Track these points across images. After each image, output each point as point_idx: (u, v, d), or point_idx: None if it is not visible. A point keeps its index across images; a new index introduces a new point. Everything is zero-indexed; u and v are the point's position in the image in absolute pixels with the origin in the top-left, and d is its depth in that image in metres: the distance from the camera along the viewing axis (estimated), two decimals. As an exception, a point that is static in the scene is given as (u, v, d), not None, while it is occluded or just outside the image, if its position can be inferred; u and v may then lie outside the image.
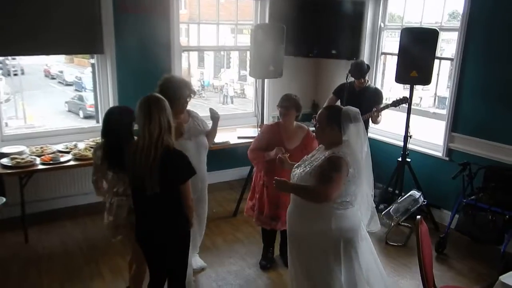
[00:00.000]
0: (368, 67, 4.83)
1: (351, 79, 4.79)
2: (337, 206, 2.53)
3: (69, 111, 10.13)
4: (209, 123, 3.59)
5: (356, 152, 2.54)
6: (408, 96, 4.51)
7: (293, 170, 2.73)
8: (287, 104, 3.57)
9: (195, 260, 3.80)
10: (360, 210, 2.68)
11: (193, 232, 3.55)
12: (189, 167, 2.50)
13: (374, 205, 2.81)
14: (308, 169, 2.59)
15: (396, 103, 4.49)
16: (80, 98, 10.10)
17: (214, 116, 3.54)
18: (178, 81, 3.29)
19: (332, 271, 2.57)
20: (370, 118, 4.57)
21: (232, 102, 10.68)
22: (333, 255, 2.55)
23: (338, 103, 4.85)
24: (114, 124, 2.88)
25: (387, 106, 4.58)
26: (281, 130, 3.63)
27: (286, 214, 2.78)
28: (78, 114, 9.82)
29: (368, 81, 4.83)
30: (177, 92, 3.18)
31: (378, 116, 4.55)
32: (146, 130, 2.41)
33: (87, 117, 8.88)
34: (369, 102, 4.62)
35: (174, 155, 2.45)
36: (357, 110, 2.60)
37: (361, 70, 4.68)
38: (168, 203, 2.51)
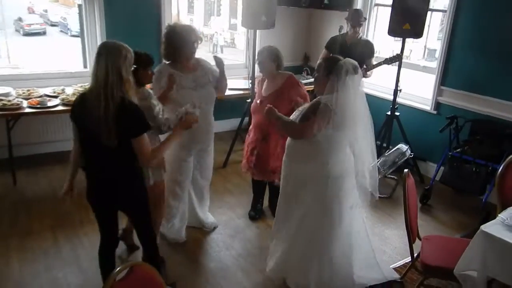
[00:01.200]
0: (365, 18, 4.76)
1: (343, 31, 4.73)
2: (315, 148, 2.66)
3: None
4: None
5: (348, 104, 2.56)
6: (400, 51, 4.48)
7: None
8: (260, 58, 3.54)
9: (206, 217, 3.81)
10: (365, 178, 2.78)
11: (197, 185, 3.64)
12: (141, 121, 2.30)
13: (377, 175, 2.89)
14: (298, 114, 2.76)
15: (389, 61, 4.48)
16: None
17: (220, 63, 3.39)
18: (183, 27, 3.22)
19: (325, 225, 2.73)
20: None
21: (222, 52, 10.47)
22: (324, 189, 2.69)
23: None
24: None
25: (379, 64, 4.56)
26: (265, 80, 3.65)
27: (282, 164, 2.86)
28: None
29: (360, 33, 4.76)
30: (183, 38, 3.13)
31: (367, 73, 4.56)
32: (93, 76, 2.25)
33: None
34: (361, 55, 4.56)
35: (125, 108, 2.22)
36: (355, 62, 2.60)
37: (360, 16, 4.64)
38: (122, 160, 2.34)
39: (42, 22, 10.86)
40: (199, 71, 3.31)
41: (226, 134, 5.68)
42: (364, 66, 4.50)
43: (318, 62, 2.76)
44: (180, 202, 3.49)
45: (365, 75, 4.58)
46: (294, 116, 2.81)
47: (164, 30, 3.26)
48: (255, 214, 3.98)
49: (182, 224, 3.59)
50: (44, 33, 10.62)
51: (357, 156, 2.73)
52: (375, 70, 4.65)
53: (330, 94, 2.57)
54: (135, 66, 2.66)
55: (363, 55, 4.58)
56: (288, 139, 2.84)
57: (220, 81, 3.41)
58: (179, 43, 3.13)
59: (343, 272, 2.81)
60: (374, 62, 4.64)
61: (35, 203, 4.01)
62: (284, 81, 3.54)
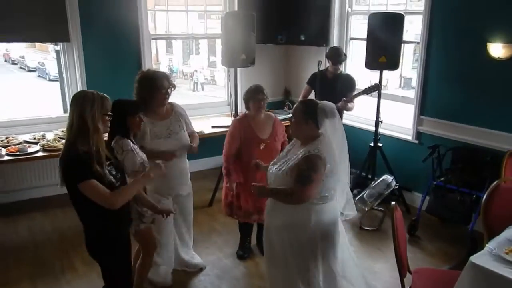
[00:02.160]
0: (345, 54, 4.87)
1: (323, 67, 4.82)
2: (317, 201, 2.54)
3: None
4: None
5: (332, 147, 2.54)
6: (378, 82, 4.58)
7: (269, 168, 2.71)
8: (264, 96, 3.52)
9: (191, 257, 3.73)
10: (336, 197, 2.70)
11: (178, 228, 3.58)
12: (79, 170, 2.24)
13: (350, 192, 2.83)
14: (284, 168, 2.57)
15: (368, 91, 4.56)
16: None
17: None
18: (155, 74, 3.20)
19: (309, 266, 2.59)
20: (342, 107, 4.56)
21: (202, 89, 10.57)
22: (310, 249, 2.57)
23: (313, 93, 4.89)
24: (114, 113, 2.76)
25: (359, 94, 4.63)
26: (251, 122, 3.57)
27: (265, 209, 2.76)
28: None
29: (340, 68, 4.86)
30: (155, 84, 3.10)
31: (350, 103, 4.60)
32: (69, 123, 2.33)
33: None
34: (343, 89, 4.68)
35: (67, 156, 2.28)
36: (333, 105, 2.59)
37: (340, 55, 4.72)
38: (77, 205, 2.38)
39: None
40: (173, 117, 3.29)
41: (210, 172, 5.65)
42: (344, 99, 4.55)
43: (295, 105, 2.69)
44: (162, 248, 3.39)
45: (346, 108, 4.64)
46: (276, 168, 2.64)
47: (136, 76, 3.21)
48: (243, 253, 3.91)
49: (169, 268, 3.51)
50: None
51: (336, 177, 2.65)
52: (355, 101, 4.72)
53: (311, 139, 2.54)
54: (121, 115, 2.68)
55: (344, 89, 4.68)
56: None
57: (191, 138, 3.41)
58: (151, 89, 3.10)
59: None
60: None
61: (14, 252, 3.88)
62: (274, 121, 3.59)
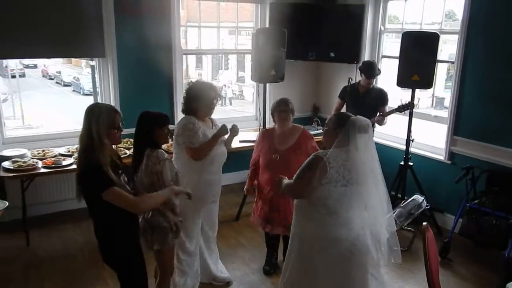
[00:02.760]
0: (379, 69, 4.86)
1: (354, 81, 4.81)
2: (316, 209, 2.54)
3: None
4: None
5: (355, 160, 2.49)
6: (411, 100, 4.52)
7: None
8: (287, 108, 3.58)
9: (218, 270, 3.76)
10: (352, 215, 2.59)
11: (206, 240, 3.65)
12: (102, 180, 2.31)
13: (395, 228, 2.71)
14: None
15: (401, 109, 4.52)
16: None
17: (234, 130, 3.53)
18: (203, 84, 3.39)
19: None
20: (379, 121, 4.63)
21: (230, 104, 10.66)
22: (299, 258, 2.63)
23: (345, 107, 4.89)
24: (140, 125, 2.84)
25: (392, 111, 4.60)
26: (275, 134, 3.67)
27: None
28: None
29: (373, 82, 4.85)
30: (202, 94, 3.25)
31: (384, 119, 4.62)
32: (79, 137, 2.39)
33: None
34: (375, 103, 4.69)
35: (86, 169, 2.33)
36: (367, 121, 2.57)
37: (374, 68, 4.71)
38: (98, 217, 2.47)
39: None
40: (214, 129, 3.42)
41: (237, 186, 5.65)
42: (380, 113, 4.58)
43: (330, 116, 2.75)
44: (190, 256, 3.43)
45: (381, 123, 4.66)
46: None
47: (186, 86, 3.43)
48: (270, 269, 3.89)
49: (196, 281, 3.52)
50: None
51: (369, 212, 2.61)
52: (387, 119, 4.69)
53: (337, 148, 2.53)
54: (149, 127, 2.70)
55: (376, 103, 4.69)
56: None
57: (226, 142, 3.54)
58: (198, 99, 3.25)
59: None
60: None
61: (47, 263, 3.97)
62: (300, 134, 3.59)
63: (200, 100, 3.26)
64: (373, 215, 2.62)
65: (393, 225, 2.75)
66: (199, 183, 3.29)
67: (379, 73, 4.87)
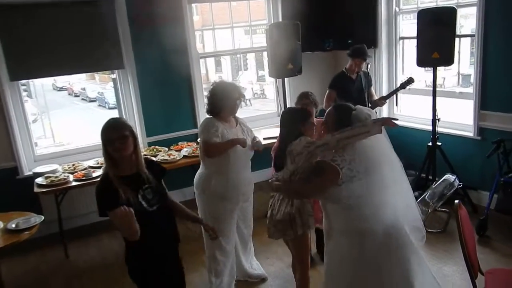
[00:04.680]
0: (369, 55, 4.87)
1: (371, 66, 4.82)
2: (342, 206, 2.42)
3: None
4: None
5: (365, 150, 2.40)
6: (432, 80, 4.45)
7: None
8: (308, 101, 3.51)
9: (252, 267, 3.80)
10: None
11: (241, 237, 3.69)
12: (99, 204, 2.34)
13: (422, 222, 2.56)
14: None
15: (403, 85, 4.59)
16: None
17: (258, 144, 3.50)
18: (227, 84, 3.45)
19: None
20: (382, 104, 4.85)
21: (251, 104, 10.67)
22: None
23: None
24: (284, 122, 2.92)
25: (395, 91, 4.68)
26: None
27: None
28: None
29: (362, 67, 4.88)
30: (225, 94, 3.27)
31: (384, 101, 4.84)
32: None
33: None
34: (365, 86, 4.77)
35: (97, 185, 2.40)
36: (369, 111, 2.48)
37: (363, 48, 4.72)
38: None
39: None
40: (239, 127, 3.43)
41: (265, 184, 5.64)
42: (382, 95, 4.83)
43: (328, 109, 2.57)
44: (227, 257, 3.47)
45: (381, 105, 4.91)
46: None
47: (209, 88, 3.45)
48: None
49: (231, 279, 3.55)
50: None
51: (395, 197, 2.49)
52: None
53: None
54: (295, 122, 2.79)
55: (365, 85, 4.77)
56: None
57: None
58: (222, 99, 3.27)
59: None
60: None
61: (87, 273, 4.09)
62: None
63: (223, 100, 3.27)
64: (400, 200, 2.51)
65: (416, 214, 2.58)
66: (226, 183, 3.30)
67: (369, 56, 4.82)
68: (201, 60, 5.58)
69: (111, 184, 2.27)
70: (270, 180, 2.87)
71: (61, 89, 12.19)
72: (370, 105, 4.73)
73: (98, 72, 11.18)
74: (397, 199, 2.49)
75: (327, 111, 2.58)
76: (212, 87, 3.41)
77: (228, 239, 3.44)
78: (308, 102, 3.52)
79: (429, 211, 4.15)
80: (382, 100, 4.82)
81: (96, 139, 5.63)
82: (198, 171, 3.47)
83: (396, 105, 5.64)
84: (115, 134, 2.27)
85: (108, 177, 2.30)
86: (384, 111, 5.64)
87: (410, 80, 4.57)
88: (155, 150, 4.83)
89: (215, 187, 3.29)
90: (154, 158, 4.57)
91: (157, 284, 2.51)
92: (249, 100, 10.83)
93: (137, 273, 2.50)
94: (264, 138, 5.18)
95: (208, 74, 9.66)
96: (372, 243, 2.41)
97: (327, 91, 4.81)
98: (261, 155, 4.99)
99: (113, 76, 5.35)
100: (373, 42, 5.49)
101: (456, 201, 2.65)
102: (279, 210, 2.88)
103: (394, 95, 5.00)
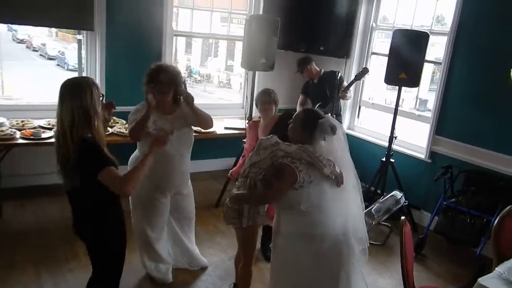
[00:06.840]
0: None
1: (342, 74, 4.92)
2: (294, 211, 2.44)
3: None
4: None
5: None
6: (395, 99, 4.56)
7: None
8: (269, 99, 3.56)
9: (195, 256, 3.72)
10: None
11: (181, 227, 3.59)
12: (101, 158, 2.21)
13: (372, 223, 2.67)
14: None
15: (358, 77, 4.74)
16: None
17: (188, 98, 3.13)
18: (168, 67, 3.21)
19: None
20: (344, 97, 4.93)
21: (191, 86, 10.57)
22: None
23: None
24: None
25: (352, 82, 4.80)
26: (259, 124, 3.67)
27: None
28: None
29: (321, 69, 5.12)
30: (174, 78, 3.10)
31: (346, 93, 4.88)
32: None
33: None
34: (330, 85, 4.85)
35: (85, 147, 2.17)
36: (335, 123, 2.50)
37: (307, 57, 5.07)
38: (88, 200, 2.33)
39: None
40: (177, 112, 3.22)
41: (219, 173, 5.64)
42: (342, 89, 4.81)
43: (298, 112, 2.65)
44: (156, 242, 3.39)
45: (344, 98, 5.02)
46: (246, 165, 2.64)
47: (150, 66, 3.23)
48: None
49: (168, 265, 3.52)
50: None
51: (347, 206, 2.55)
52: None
53: (302, 146, 2.45)
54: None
55: (332, 84, 4.84)
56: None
57: (197, 117, 3.23)
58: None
59: None
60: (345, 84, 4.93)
61: (20, 236, 3.89)
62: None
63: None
64: (351, 208, 2.57)
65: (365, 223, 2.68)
66: (156, 173, 3.01)
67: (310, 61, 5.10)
68: (173, 39, 5.45)
69: (94, 145, 2.22)
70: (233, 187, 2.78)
71: (21, 41, 11.47)
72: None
73: (62, 30, 10.69)
74: (349, 208, 2.55)
75: (297, 111, 2.66)
76: (152, 68, 3.21)
77: (152, 227, 3.34)
78: (270, 100, 3.55)
79: (373, 223, 4.27)
80: (344, 93, 4.83)
81: (50, 99, 5.39)
82: (134, 152, 3.36)
83: (358, 117, 5.79)
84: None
85: (87, 140, 2.20)
86: (345, 122, 5.75)
87: (364, 71, 4.68)
88: (112, 121, 4.68)
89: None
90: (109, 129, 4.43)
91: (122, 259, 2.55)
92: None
93: (116, 244, 2.48)
94: (226, 128, 5.16)
95: (177, 54, 9.45)
96: (319, 249, 2.44)
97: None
98: (221, 145, 5.00)
99: (79, 37, 5.12)
100: (345, 52, 5.57)
101: (402, 217, 2.74)
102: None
103: (359, 95, 5.31)
